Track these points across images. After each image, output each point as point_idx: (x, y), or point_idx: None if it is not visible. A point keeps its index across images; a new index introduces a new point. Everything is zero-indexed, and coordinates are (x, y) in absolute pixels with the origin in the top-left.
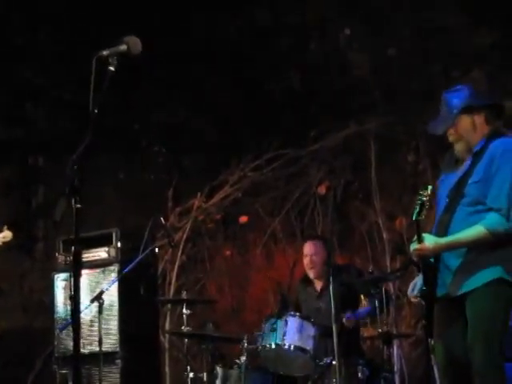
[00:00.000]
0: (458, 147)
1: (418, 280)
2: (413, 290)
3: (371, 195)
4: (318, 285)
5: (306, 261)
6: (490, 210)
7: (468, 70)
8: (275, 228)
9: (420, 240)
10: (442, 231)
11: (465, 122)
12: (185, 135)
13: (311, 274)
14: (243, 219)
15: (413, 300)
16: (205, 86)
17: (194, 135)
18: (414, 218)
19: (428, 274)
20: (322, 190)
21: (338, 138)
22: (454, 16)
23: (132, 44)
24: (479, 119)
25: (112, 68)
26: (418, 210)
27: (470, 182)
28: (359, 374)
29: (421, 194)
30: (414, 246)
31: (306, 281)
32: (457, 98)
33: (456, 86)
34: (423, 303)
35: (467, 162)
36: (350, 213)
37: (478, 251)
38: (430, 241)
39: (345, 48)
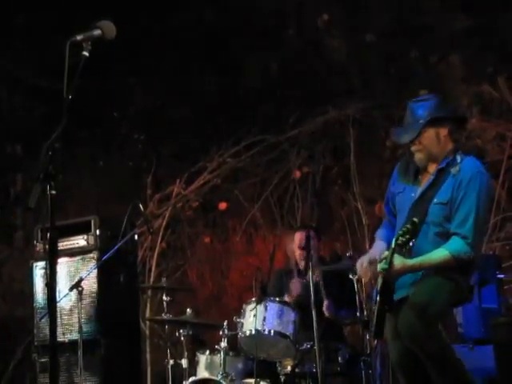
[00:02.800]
0: (420, 156)
1: (366, 258)
2: (361, 265)
3: (351, 180)
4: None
5: (298, 251)
6: (454, 234)
7: (445, 55)
8: (255, 214)
9: (390, 262)
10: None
11: (429, 133)
12: (163, 122)
13: (304, 265)
14: (222, 206)
15: (362, 276)
16: (183, 73)
17: (172, 122)
18: (393, 245)
19: (388, 286)
20: (296, 174)
21: (317, 123)
22: (431, 0)
23: (106, 29)
24: (443, 132)
25: (86, 53)
26: (401, 242)
27: (435, 201)
28: (339, 359)
29: (407, 228)
30: (382, 266)
31: (296, 271)
32: (422, 108)
33: (422, 96)
34: (374, 307)
35: (430, 178)
36: (329, 198)
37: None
38: (398, 262)
39: (322, 33)
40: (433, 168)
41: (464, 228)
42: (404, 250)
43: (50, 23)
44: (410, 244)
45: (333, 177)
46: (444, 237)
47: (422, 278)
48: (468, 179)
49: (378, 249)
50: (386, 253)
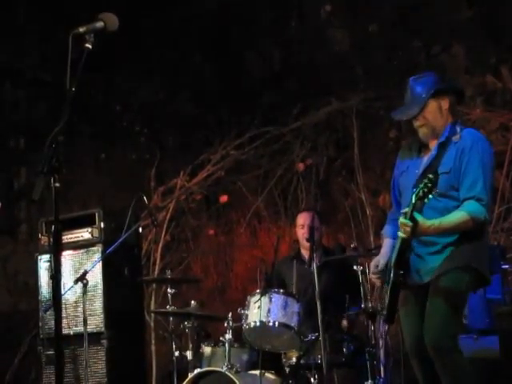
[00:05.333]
0: (424, 131)
1: (380, 259)
2: (376, 266)
3: (354, 172)
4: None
5: (302, 231)
6: (466, 199)
7: (448, 45)
8: (259, 206)
9: (412, 217)
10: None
11: (432, 106)
12: (167, 114)
13: (306, 246)
14: (223, 199)
15: (374, 280)
16: (185, 65)
17: (175, 114)
18: (414, 200)
19: (403, 259)
20: (300, 166)
21: (320, 115)
22: None
23: (108, 21)
24: (445, 104)
25: (89, 45)
26: (422, 193)
27: (438, 172)
28: (344, 350)
29: (429, 179)
30: (403, 221)
31: (296, 258)
32: (422, 84)
33: (422, 72)
34: (386, 288)
35: (432, 152)
36: (333, 190)
37: (447, 243)
38: (420, 219)
39: (325, 24)
40: (434, 144)
41: (475, 191)
42: (427, 200)
43: (52, 16)
44: (431, 195)
45: (336, 168)
46: (452, 207)
47: (441, 270)
48: (470, 145)
49: (389, 248)
50: (406, 209)
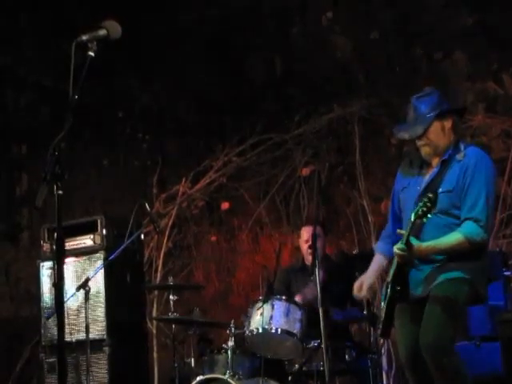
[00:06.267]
0: (427, 150)
1: (364, 281)
2: (359, 290)
3: (356, 178)
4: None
5: (305, 245)
6: (465, 219)
7: (450, 52)
8: (261, 213)
9: (407, 241)
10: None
11: (435, 127)
12: (169, 121)
13: (310, 261)
14: (225, 206)
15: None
16: (187, 71)
17: (177, 121)
18: (413, 219)
19: (401, 275)
20: (305, 171)
21: (322, 121)
22: None
23: (111, 28)
24: (448, 124)
25: (92, 53)
26: (421, 212)
27: (440, 190)
28: (346, 357)
29: (429, 198)
30: (399, 246)
31: (303, 269)
32: (425, 103)
33: (424, 89)
34: (383, 305)
35: (434, 170)
36: (335, 196)
37: (447, 258)
38: (414, 243)
39: (327, 30)
40: (436, 161)
41: (475, 212)
42: (425, 219)
43: (54, 22)
44: (430, 215)
45: (338, 175)
46: (453, 225)
47: (440, 280)
48: (474, 164)
49: (376, 265)
50: (402, 231)
